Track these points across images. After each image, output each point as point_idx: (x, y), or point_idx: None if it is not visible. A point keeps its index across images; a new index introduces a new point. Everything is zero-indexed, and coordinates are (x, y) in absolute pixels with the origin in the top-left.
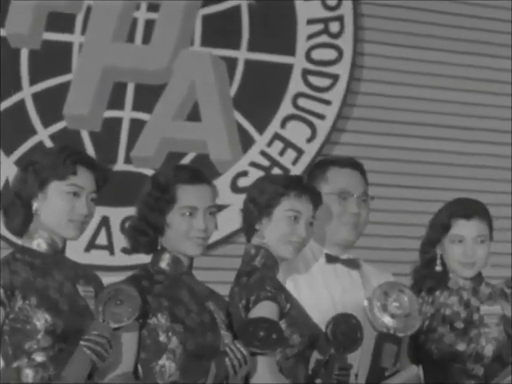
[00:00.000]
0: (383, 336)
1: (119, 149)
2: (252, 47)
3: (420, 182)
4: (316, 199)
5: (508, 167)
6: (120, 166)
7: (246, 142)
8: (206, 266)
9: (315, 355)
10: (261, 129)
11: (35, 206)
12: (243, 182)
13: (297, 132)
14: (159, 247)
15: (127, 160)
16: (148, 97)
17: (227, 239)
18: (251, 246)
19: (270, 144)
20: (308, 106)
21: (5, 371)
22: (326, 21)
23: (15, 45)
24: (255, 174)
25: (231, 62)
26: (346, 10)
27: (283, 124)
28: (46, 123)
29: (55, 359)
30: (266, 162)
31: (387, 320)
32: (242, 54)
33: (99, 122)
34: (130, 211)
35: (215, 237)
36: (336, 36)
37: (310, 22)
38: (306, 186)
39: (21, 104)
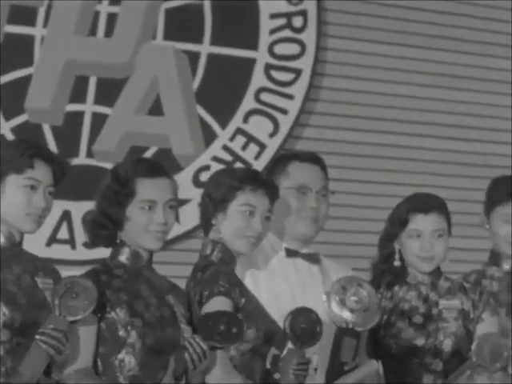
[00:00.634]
0: (342, 330)
1: (81, 143)
2: (215, 41)
3: (380, 177)
4: (272, 193)
5: (468, 162)
6: (82, 160)
7: (209, 137)
8: (168, 261)
9: (273, 350)
10: (223, 123)
11: None
12: (205, 177)
13: (259, 127)
14: (118, 241)
15: (89, 154)
16: (110, 90)
17: (189, 234)
18: (208, 240)
19: (232, 138)
20: (271, 101)
21: None
22: (289, 15)
23: None
24: (217, 169)
25: (194, 56)
26: (310, 4)
27: (246, 119)
28: (8, 116)
29: (13, 353)
30: (228, 157)
31: (346, 314)
32: (205, 48)
33: (61, 115)
34: (92, 205)
35: (177, 231)
36: (299, 31)
37: (273, 16)
38: (261, 180)
39: None
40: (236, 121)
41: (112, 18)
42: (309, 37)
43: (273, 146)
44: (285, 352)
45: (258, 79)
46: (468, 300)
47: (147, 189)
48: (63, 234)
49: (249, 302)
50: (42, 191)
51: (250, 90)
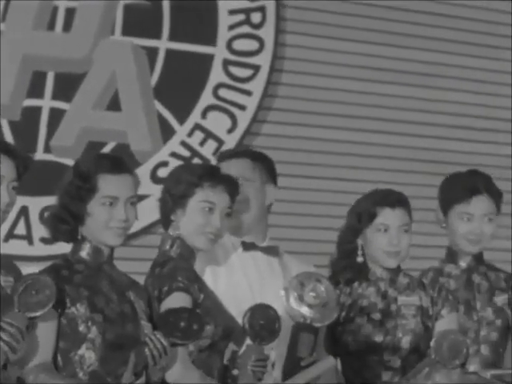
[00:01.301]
0: (300, 326)
1: (39, 138)
2: (173, 37)
3: (339, 173)
4: (232, 189)
5: (426, 159)
6: (39, 155)
7: (167, 132)
8: (127, 256)
9: (231, 346)
10: (181, 119)
11: None
12: (163, 173)
13: (217, 122)
14: (79, 236)
15: (47, 149)
16: (68, 86)
17: (147, 229)
18: (167, 236)
19: (190, 134)
20: (229, 97)
21: None
22: (247, 11)
23: None
24: (175, 165)
25: (152, 52)
26: (268, 1)
27: (204, 114)
28: None
29: None
30: (186, 153)
31: (304, 310)
32: (163, 44)
33: (18, 110)
34: (50, 201)
35: (136, 227)
36: (257, 26)
37: (232, 12)
38: (221, 177)
39: None
40: (194, 116)
41: (70, 13)
42: (267, 33)
43: (231, 142)
44: (243, 348)
45: (217, 75)
46: (427, 296)
47: (109, 185)
48: (21, 229)
49: (207, 297)
50: (5, 186)
51: (208, 86)
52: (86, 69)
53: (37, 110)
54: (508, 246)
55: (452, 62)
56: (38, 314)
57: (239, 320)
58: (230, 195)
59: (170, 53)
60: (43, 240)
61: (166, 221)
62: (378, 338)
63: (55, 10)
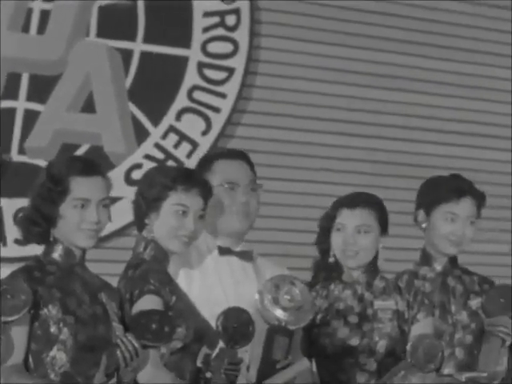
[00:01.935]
0: (274, 328)
1: (13, 139)
2: (148, 39)
3: (314, 175)
4: (206, 192)
5: (401, 162)
6: (14, 156)
7: (141, 135)
8: (100, 258)
9: (204, 349)
10: (156, 121)
11: None
12: (137, 175)
13: (192, 125)
14: (51, 238)
15: (21, 151)
16: (42, 87)
17: (121, 231)
18: (141, 238)
19: (164, 136)
20: (203, 99)
21: None
22: (222, 14)
23: None
24: (149, 167)
25: (127, 54)
26: (243, 3)
27: (178, 117)
28: None
29: None
30: (160, 155)
31: (278, 313)
32: (138, 46)
33: None
34: (24, 202)
35: (109, 229)
36: (232, 29)
37: (206, 14)
38: (194, 179)
39: None
40: (168, 119)
41: (45, 15)
42: (242, 35)
43: (205, 144)
44: (216, 351)
45: (191, 77)
46: (403, 300)
47: (81, 187)
48: None
49: (180, 300)
50: None
51: (182, 88)
52: (61, 70)
53: (11, 112)
54: (487, 249)
55: (428, 65)
56: (12, 318)
57: (212, 323)
58: (203, 198)
59: (144, 55)
60: (17, 241)
61: (139, 223)
62: (355, 342)
63: (30, 11)
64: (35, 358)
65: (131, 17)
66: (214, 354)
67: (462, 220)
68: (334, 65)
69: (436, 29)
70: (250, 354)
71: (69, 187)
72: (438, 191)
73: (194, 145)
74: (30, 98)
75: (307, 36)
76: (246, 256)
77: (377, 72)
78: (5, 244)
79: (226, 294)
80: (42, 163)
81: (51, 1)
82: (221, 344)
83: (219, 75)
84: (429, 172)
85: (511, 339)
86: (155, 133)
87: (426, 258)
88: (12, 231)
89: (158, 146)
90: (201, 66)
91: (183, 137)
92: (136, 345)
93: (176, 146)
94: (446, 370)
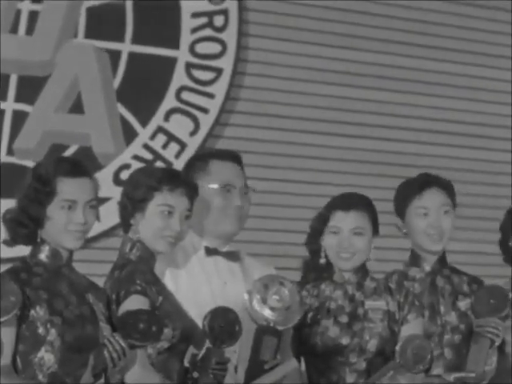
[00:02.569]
0: (263, 329)
1: (1, 140)
2: (136, 40)
3: (303, 176)
4: (191, 192)
5: (393, 162)
6: (2, 157)
7: (129, 135)
8: (88, 259)
9: (191, 349)
10: (144, 122)
11: None
12: (126, 175)
13: (180, 125)
14: (39, 239)
15: (10, 152)
16: (31, 88)
17: (109, 232)
18: (127, 238)
19: (153, 137)
20: (191, 100)
21: None
22: (210, 14)
23: None
24: (138, 167)
25: (115, 55)
26: (231, 3)
27: (166, 117)
28: None
29: None
30: (148, 155)
31: (267, 313)
32: (126, 47)
33: None
34: (12, 203)
35: (97, 229)
36: (220, 30)
37: (195, 15)
38: (180, 180)
39: None
40: (157, 119)
41: (33, 16)
42: (230, 36)
43: (193, 144)
44: (203, 351)
45: (179, 78)
46: (393, 301)
47: (68, 188)
48: None
49: (166, 300)
50: None
51: (170, 89)
52: (49, 71)
53: None
54: (489, 250)
55: (415, 65)
56: (2, 319)
57: (199, 323)
58: (188, 198)
59: (132, 56)
60: (6, 242)
61: (125, 224)
62: (345, 341)
63: (18, 12)
64: (23, 360)
65: (119, 17)
66: (201, 354)
67: (434, 211)
68: (322, 65)
69: (425, 30)
70: (238, 355)
71: (56, 188)
72: (404, 192)
73: (183, 145)
74: (18, 99)
75: (295, 36)
76: (232, 256)
77: (366, 72)
78: None
79: (213, 294)
80: (31, 164)
81: (40, 2)
82: (208, 344)
83: (207, 76)
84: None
85: (500, 340)
86: (143, 133)
87: (414, 259)
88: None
89: (146, 146)
90: (189, 66)
91: (171, 137)
92: (123, 344)
93: (164, 146)
94: (435, 371)
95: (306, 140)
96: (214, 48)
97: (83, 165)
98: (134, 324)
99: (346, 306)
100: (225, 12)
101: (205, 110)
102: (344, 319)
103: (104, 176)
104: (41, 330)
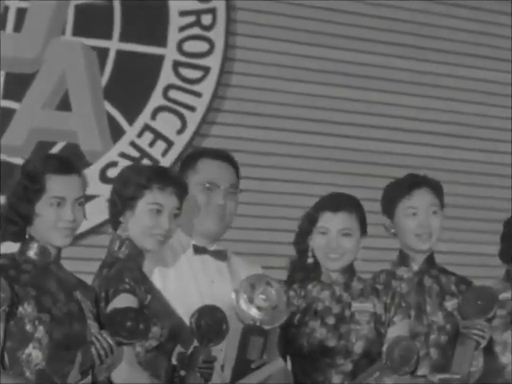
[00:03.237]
0: (249, 328)
1: None
2: (124, 38)
3: (290, 175)
4: (181, 191)
5: (379, 162)
6: None
7: (116, 133)
8: (76, 256)
9: (178, 348)
10: (131, 120)
11: None
12: (113, 173)
13: (167, 123)
14: (27, 236)
15: None
16: (18, 85)
17: (96, 229)
18: (116, 236)
19: (140, 135)
20: (179, 98)
21: None
22: (198, 13)
23: None
24: (125, 165)
25: (102, 52)
26: (219, 2)
27: (154, 115)
28: None
29: None
30: (135, 153)
31: (253, 312)
32: (114, 45)
33: None
34: (1, 200)
35: (84, 227)
36: (208, 28)
37: (183, 13)
38: (169, 178)
39: None
40: (144, 117)
41: (21, 13)
42: (217, 35)
43: (180, 143)
44: (190, 350)
45: (167, 76)
46: (380, 303)
47: (57, 185)
48: None
49: (155, 298)
50: None
51: (158, 87)
52: (37, 68)
53: None
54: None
55: (393, 64)
56: None
57: (187, 321)
58: (178, 197)
59: (120, 53)
60: None
61: (114, 222)
62: (332, 342)
63: (6, 9)
64: (10, 356)
65: (107, 15)
66: (188, 353)
67: (423, 211)
68: (309, 64)
69: (403, 28)
70: (224, 353)
71: (45, 185)
72: (392, 192)
73: (169, 143)
74: (5, 96)
75: (283, 35)
76: (220, 255)
77: (353, 72)
78: None
79: (201, 293)
80: (18, 161)
81: None
82: (195, 342)
83: (195, 74)
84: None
85: (486, 342)
86: (131, 131)
87: (403, 259)
88: None
89: (133, 144)
90: (176, 64)
91: (158, 135)
92: (111, 342)
93: (151, 144)
94: (420, 371)
95: (293, 139)
96: (202, 46)
97: (72, 162)
98: (121, 322)
99: (333, 307)
100: (213, 11)
101: (192, 109)
102: (331, 321)
103: (91, 173)
104: (29, 327)
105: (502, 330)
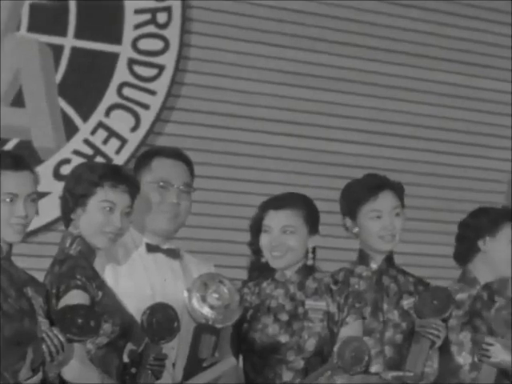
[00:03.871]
0: (201, 327)
1: None
2: (79, 35)
3: (242, 174)
4: (133, 189)
5: (334, 162)
6: None
7: (70, 130)
8: (27, 253)
9: (130, 345)
10: (85, 117)
11: None
12: (66, 170)
13: (121, 121)
14: None
15: None
16: None
17: (48, 226)
18: (68, 233)
19: (93, 132)
20: (133, 96)
21: None
22: (153, 11)
23: None
24: (78, 162)
25: (57, 49)
26: (174, 1)
27: (107, 113)
28: None
29: None
30: (89, 151)
31: (206, 311)
32: (69, 42)
33: None
34: None
35: (36, 224)
36: (163, 26)
37: (138, 11)
38: (121, 176)
39: None
40: (98, 114)
41: None
42: (173, 33)
43: (134, 140)
44: (142, 347)
45: (121, 74)
46: (334, 302)
47: (9, 182)
48: None
49: (106, 295)
50: None
51: (112, 85)
52: None
53: None
54: (417, 250)
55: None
56: None
57: (138, 319)
58: (130, 195)
59: (75, 50)
60: None
61: (66, 219)
62: (284, 338)
63: None
64: None
65: (62, 12)
66: (139, 350)
67: (387, 214)
68: (265, 64)
69: (368, 31)
70: (176, 352)
71: None
72: (356, 194)
73: (123, 141)
74: None
75: (238, 35)
76: (172, 254)
77: (307, 72)
78: None
79: (153, 291)
80: None
81: None
82: (146, 339)
83: (149, 72)
84: (363, 173)
85: (441, 342)
86: (84, 128)
87: (362, 258)
88: None
89: (86, 141)
90: (131, 62)
91: (112, 133)
92: (62, 339)
93: (105, 141)
94: (374, 368)
95: (248, 138)
96: (157, 45)
97: (24, 158)
98: (72, 318)
99: (287, 305)
100: (168, 9)
101: (146, 107)
102: (284, 317)
103: (44, 170)
104: None
105: (458, 331)
